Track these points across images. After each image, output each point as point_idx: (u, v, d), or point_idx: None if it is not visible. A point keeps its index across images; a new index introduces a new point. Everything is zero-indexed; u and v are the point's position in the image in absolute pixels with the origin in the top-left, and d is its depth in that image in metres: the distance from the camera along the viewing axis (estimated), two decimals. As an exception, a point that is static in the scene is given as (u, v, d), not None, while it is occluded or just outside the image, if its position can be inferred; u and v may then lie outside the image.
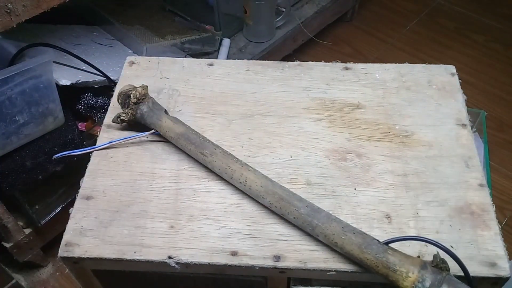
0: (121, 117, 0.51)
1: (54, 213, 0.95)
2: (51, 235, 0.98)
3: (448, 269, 0.37)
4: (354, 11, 1.58)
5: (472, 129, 0.54)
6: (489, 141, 1.13)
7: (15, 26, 0.70)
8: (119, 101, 0.51)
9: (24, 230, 0.94)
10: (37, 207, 0.93)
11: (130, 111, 0.50)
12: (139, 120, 0.51)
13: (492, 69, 1.41)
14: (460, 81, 0.58)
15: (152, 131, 0.51)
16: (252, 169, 0.44)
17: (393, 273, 0.37)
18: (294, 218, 0.41)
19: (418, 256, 0.40)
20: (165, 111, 0.51)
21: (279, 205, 0.42)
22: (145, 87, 0.50)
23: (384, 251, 0.38)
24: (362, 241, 0.39)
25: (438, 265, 0.37)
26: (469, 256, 0.42)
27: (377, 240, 0.39)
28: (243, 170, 0.44)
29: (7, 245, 0.92)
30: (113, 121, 0.52)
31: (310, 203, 0.42)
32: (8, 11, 0.68)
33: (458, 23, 1.57)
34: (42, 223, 0.94)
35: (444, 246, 0.39)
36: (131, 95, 0.49)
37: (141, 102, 0.49)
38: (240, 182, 0.44)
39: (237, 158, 0.46)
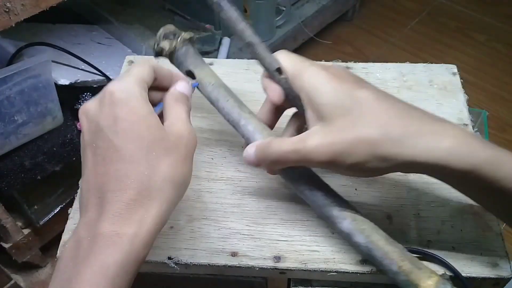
0: (162, 46, 0.44)
1: (53, 213, 0.95)
2: (50, 235, 0.98)
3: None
4: (354, 10, 1.58)
5: (473, 129, 0.53)
6: (490, 141, 1.13)
7: (13, 25, 0.70)
8: (162, 37, 0.44)
9: (23, 230, 0.93)
10: (36, 207, 0.93)
11: (177, 42, 0.44)
12: (179, 58, 0.45)
13: (493, 69, 1.41)
14: (462, 80, 0.57)
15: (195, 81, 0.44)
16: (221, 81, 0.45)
17: (418, 271, 0.36)
18: (324, 195, 0.39)
19: None
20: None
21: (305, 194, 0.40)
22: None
23: (407, 252, 0.38)
24: (387, 236, 0.38)
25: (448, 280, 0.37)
26: (471, 257, 0.42)
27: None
28: (213, 76, 0.44)
29: (6, 245, 0.92)
30: (151, 47, 0.46)
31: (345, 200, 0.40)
32: (7, 10, 0.68)
33: (460, 22, 1.57)
34: (41, 223, 0.94)
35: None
36: (183, 32, 0.44)
37: (188, 42, 0.44)
38: (210, 84, 0.44)
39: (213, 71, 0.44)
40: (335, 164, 0.35)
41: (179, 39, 0.44)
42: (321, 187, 0.40)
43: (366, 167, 0.34)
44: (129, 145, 0.30)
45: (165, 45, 0.45)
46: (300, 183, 0.40)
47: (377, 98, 0.35)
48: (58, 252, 0.43)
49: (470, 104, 0.56)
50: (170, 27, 0.45)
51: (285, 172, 0.40)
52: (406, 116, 0.34)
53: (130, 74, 0.34)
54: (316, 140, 0.35)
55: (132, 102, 0.32)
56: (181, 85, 0.38)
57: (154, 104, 0.35)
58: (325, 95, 0.35)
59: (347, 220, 0.37)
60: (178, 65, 0.45)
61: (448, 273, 0.40)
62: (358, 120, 0.33)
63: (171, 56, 0.45)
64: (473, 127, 0.54)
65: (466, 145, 0.33)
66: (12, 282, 0.97)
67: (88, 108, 0.33)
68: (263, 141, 0.38)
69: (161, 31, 0.45)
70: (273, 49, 0.42)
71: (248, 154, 0.39)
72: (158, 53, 0.45)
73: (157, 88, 0.38)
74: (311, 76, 0.36)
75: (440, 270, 0.40)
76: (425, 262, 0.39)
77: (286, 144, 0.36)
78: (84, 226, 0.30)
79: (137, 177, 0.30)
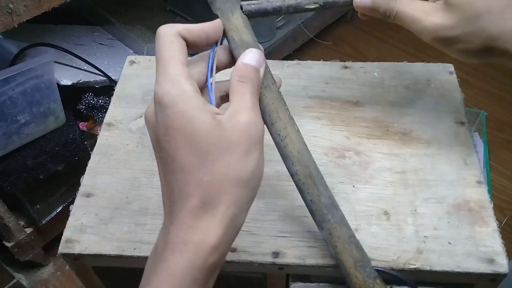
0: None
1: (55, 212, 0.96)
2: (52, 234, 0.98)
3: None
4: (354, 11, 1.58)
5: (472, 129, 0.54)
6: (489, 141, 1.13)
7: (16, 26, 0.71)
8: None
9: (25, 229, 0.94)
10: (38, 206, 0.94)
11: None
12: None
13: (492, 69, 1.42)
14: (459, 80, 0.58)
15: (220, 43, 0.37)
16: (297, 129, 0.38)
17: None
18: (311, 200, 0.38)
19: None
20: (241, 7, 0.39)
21: (304, 180, 0.38)
22: None
23: (374, 278, 0.38)
24: (360, 258, 0.38)
25: None
26: (467, 253, 0.42)
27: (372, 265, 0.39)
28: (288, 124, 0.37)
29: (9, 244, 0.92)
30: None
31: (333, 196, 0.39)
32: (10, 11, 0.69)
33: (459, 23, 1.57)
34: (43, 222, 0.94)
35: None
36: None
37: None
38: (279, 134, 0.37)
39: (287, 107, 0.38)
40: (444, 45, 0.38)
41: None
42: (314, 189, 0.38)
43: (476, 54, 0.38)
44: (183, 152, 0.28)
45: None
46: (297, 173, 0.38)
47: None
48: (59, 248, 0.44)
49: (469, 104, 0.57)
50: None
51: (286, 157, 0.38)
52: None
53: (165, 65, 0.30)
54: (437, 19, 0.38)
55: (179, 106, 0.29)
56: (249, 57, 0.33)
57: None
58: None
59: (324, 231, 0.39)
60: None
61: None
62: (482, 15, 0.36)
63: None
64: (471, 127, 0.54)
65: None
66: (15, 280, 0.97)
67: (148, 116, 0.31)
68: None
69: None
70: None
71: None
72: None
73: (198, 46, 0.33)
74: None
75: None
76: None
77: (411, 9, 0.39)
78: (161, 233, 0.30)
79: (197, 184, 0.28)
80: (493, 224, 0.44)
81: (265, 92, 0.36)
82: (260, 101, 0.36)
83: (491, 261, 0.42)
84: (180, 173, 0.29)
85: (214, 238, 0.28)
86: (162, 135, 0.29)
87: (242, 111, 0.31)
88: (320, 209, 0.38)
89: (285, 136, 0.37)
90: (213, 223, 0.28)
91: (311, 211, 0.39)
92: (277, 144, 0.38)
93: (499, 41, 0.37)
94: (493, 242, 0.43)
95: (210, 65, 0.33)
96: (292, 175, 0.38)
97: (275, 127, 0.37)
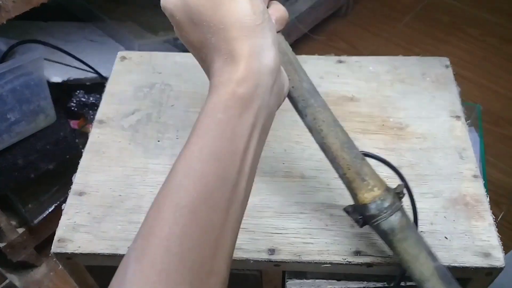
0: None
1: (47, 212, 0.94)
2: (45, 234, 0.97)
3: (402, 201, 0.38)
4: (348, 6, 1.58)
5: (467, 123, 0.54)
6: (484, 135, 1.13)
7: (5, 22, 0.69)
8: None
9: (18, 229, 0.93)
10: (30, 206, 0.92)
11: None
12: None
13: (487, 63, 1.42)
14: (454, 73, 0.58)
15: None
16: None
17: (360, 182, 0.37)
18: (292, 87, 0.37)
19: None
20: None
21: (284, 67, 0.37)
22: None
23: (362, 159, 0.38)
24: (346, 140, 0.38)
25: (399, 194, 0.38)
26: (464, 247, 0.42)
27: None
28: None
29: (1, 245, 0.91)
30: None
31: (313, 84, 0.38)
32: (-2, 7, 0.67)
33: (453, 17, 1.57)
34: (35, 222, 0.93)
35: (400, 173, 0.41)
36: None
37: None
38: None
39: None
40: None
41: None
42: (294, 75, 0.38)
43: None
44: (203, 11, 0.31)
45: None
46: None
47: None
48: (52, 247, 0.43)
49: (464, 98, 0.57)
50: None
51: None
52: None
53: None
54: None
55: None
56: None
57: None
58: None
59: (308, 118, 0.38)
60: None
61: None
62: None
63: None
64: (467, 121, 0.54)
65: None
66: (7, 281, 0.96)
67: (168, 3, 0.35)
68: None
69: None
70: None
71: None
72: None
73: None
74: None
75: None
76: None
77: None
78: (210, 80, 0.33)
79: (217, 35, 0.31)
80: (489, 218, 0.44)
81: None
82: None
83: (487, 255, 0.42)
84: (205, 40, 0.32)
85: (237, 73, 0.30)
86: (185, 8, 0.32)
87: None
88: (302, 95, 0.37)
89: None
90: (235, 63, 0.31)
91: (293, 99, 0.38)
92: None
93: None
94: (489, 236, 0.43)
95: None
96: None
97: None
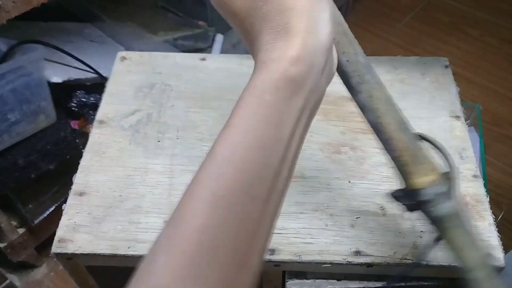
0: None
1: (47, 212, 0.94)
2: (45, 234, 0.97)
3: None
4: (348, 6, 1.58)
5: (467, 123, 0.54)
6: (484, 135, 1.13)
7: (5, 22, 0.69)
8: None
9: (18, 230, 0.93)
10: (30, 206, 0.92)
11: None
12: None
13: (487, 63, 1.42)
14: (454, 73, 0.58)
15: None
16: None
17: (417, 165, 0.35)
18: (347, 61, 0.35)
19: None
20: None
21: (338, 39, 0.35)
22: None
23: (418, 141, 0.36)
24: (403, 120, 0.36)
25: (452, 179, 0.35)
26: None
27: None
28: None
29: (1, 245, 0.91)
30: None
31: (368, 60, 0.36)
32: (-2, 7, 0.67)
33: (453, 18, 1.57)
34: (35, 222, 0.93)
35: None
36: None
37: None
38: None
39: None
40: None
41: None
42: (350, 47, 0.35)
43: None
44: None
45: None
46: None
47: None
48: (52, 247, 0.43)
49: (464, 98, 0.57)
50: None
51: None
52: None
53: None
54: None
55: None
56: None
57: None
58: None
59: (362, 95, 0.35)
60: None
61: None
62: None
63: None
64: (467, 121, 0.54)
65: None
66: (8, 281, 0.96)
67: None
68: None
69: None
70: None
71: None
72: None
73: None
74: None
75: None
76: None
77: None
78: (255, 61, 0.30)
79: (269, 11, 0.29)
80: (489, 218, 0.44)
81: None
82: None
83: (487, 255, 0.42)
84: (254, 9, 0.29)
85: (291, 50, 0.28)
86: None
87: None
88: (358, 69, 0.34)
89: None
90: (290, 39, 0.28)
91: (346, 74, 0.35)
92: None
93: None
94: (489, 236, 0.43)
95: None
96: None
97: None
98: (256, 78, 0.28)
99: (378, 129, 0.36)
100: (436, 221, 0.35)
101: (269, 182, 0.27)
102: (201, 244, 0.25)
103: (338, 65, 0.35)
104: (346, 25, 0.35)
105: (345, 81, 0.36)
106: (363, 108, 0.36)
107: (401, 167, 0.35)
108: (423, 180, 0.34)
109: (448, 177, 0.35)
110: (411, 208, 0.36)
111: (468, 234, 0.35)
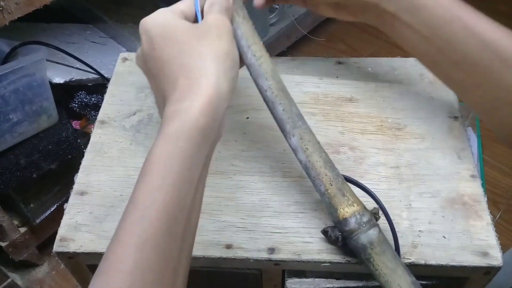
0: None
1: (49, 211, 0.95)
2: (47, 233, 0.98)
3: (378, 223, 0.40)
4: (348, 7, 1.58)
5: (465, 124, 0.54)
6: (482, 136, 1.14)
7: (7, 24, 0.70)
8: None
9: (20, 229, 0.94)
10: (32, 205, 0.93)
11: None
12: None
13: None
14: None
15: None
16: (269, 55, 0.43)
17: (341, 197, 0.39)
18: (283, 110, 0.41)
19: None
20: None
21: (276, 93, 0.42)
22: None
23: (342, 178, 0.41)
24: (329, 160, 0.41)
25: (375, 215, 0.40)
26: (462, 246, 0.43)
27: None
28: (262, 47, 0.43)
29: (3, 244, 0.92)
30: None
31: (299, 110, 0.42)
32: (1, 8, 0.68)
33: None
34: (37, 221, 0.94)
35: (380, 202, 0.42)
36: None
37: None
38: (254, 55, 0.42)
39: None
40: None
41: None
42: (285, 100, 0.42)
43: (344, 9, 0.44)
44: (166, 49, 0.34)
45: None
46: (264, 84, 0.42)
47: None
48: (54, 246, 0.44)
49: (462, 98, 0.57)
50: None
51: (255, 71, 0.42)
52: None
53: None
54: None
55: (159, 20, 0.36)
56: None
57: None
58: None
59: (295, 138, 0.41)
60: None
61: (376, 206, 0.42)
62: None
63: None
64: (465, 121, 0.54)
65: None
66: (9, 280, 0.97)
67: (137, 55, 0.38)
68: None
69: None
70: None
71: None
72: None
73: None
74: None
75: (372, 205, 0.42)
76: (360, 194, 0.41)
77: None
78: (163, 115, 0.34)
79: (181, 67, 0.34)
80: (487, 218, 0.45)
81: (243, 21, 0.42)
82: (238, 28, 0.41)
83: (485, 254, 0.42)
84: (166, 66, 0.34)
85: (201, 103, 0.32)
86: (148, 49, 0.35)
87: (210, 14, 0.37)
88: (292, 117, 0.41)
89: (260, 57, 0.42)
90: (199, 92, 0.32)
91: (282, 122, 0.41)
92: (252, 65, 0.42)
93: None
94: (487, 235, 0.43)
95: None
96: (265, 90, 0.42)
97: (251, 50, 0.42)
98: (170, 127, 0.31)
99: (307, 167, 0.41)
100: (361, 250, 0.38)
101: (184, 221, 0.30)
102: (134, 286, 0.27)
103: (276, 113, 0.42)
104: (282, 83, 0.42)
105: (281, 126, 0.42)
106: (295, 150, 0.41)
107: (329, 200, 0.40)
108: (348, 210, 0.39)
109: (371, 211, 0.40)
110: (339, 240, 0.40)
111: (393, 260, 0.38)
